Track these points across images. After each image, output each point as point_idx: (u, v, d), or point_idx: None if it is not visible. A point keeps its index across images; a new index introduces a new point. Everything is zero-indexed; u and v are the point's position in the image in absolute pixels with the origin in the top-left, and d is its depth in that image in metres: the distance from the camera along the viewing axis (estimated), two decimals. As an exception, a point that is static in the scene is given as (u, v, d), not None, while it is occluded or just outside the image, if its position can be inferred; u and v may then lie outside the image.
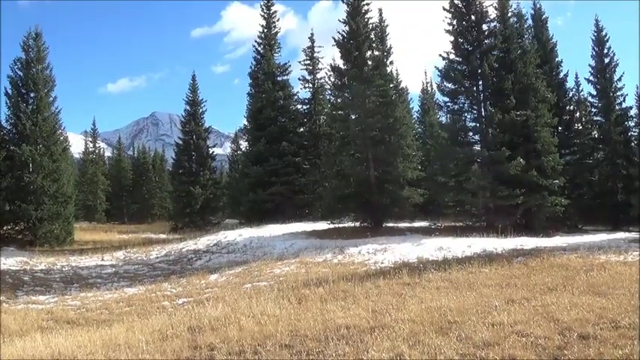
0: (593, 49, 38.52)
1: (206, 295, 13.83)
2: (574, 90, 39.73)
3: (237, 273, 17.95)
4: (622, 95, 37.85)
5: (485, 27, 30.43)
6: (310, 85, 44.79)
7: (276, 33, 45.32)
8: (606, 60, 38.10)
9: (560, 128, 34.86)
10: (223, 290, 14.47)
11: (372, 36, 32.21)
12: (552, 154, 28.94)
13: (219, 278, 17.26)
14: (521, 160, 26.75)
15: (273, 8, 45.13)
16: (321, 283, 13.19)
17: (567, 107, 37.80)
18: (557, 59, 37.96)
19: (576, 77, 43.25)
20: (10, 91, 32.61)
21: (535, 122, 28.63)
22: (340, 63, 31.88)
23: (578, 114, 39.61)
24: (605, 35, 38.30)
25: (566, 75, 38.24)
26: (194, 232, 36.60)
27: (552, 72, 36.59)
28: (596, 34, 38.53)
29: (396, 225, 30.60)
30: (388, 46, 35.48)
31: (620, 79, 37.97)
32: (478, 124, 29.96)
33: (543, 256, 16.19)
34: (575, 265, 14.46)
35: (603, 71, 37.88)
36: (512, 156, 26.80)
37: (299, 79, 44.93)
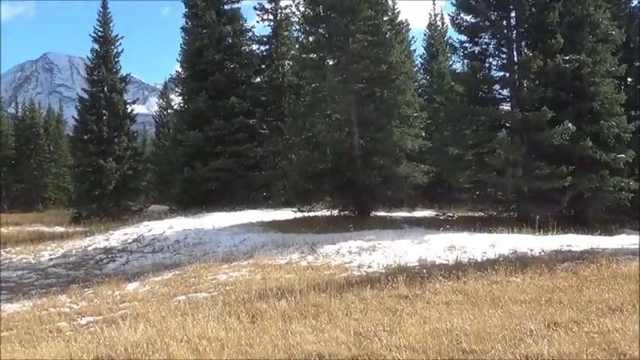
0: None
1: (121, 312, 13.66)
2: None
3: (167, 280, 17.79)
4: None
5: None
6: (271, 18, 44.57)
7: (224, -60, 44.90)
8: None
9: (629, 80, 34.11)
10: (146, 305, 14.31)
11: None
12: (617, 116, 28.63)
13: (141, 288, 17.11)
14: (571, 125, 26.65)
15: None
16: (283, 295, 13.12)
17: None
18: (628, -20, 37.17)
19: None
20: None
21: (592, 71, 28.39)
22: (314, -14, 31.65)
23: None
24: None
25: (640, 3, 37.48)
26: (105, 223, 36.22)
27: (620, -1, 35.71)
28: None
29: (389, 214, 30.69)
30: (381, -39, 35.23)
31: None
32: (508, 74, 29.97)
33: (601, 261, 16.06)
34: (651, 276, 14.48)
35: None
36: (556, 119, 26.67)
37: (255, 8, 44.64)
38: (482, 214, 29.59)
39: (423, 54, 55.38)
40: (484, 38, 30.39)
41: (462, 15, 30.23)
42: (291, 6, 40.36)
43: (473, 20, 30.10)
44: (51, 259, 24.23)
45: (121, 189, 45.99)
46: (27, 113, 77.31)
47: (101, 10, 48.76)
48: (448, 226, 25.40)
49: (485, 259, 17.91)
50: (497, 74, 30.59)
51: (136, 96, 52.08)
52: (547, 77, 28.00)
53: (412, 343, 8.55)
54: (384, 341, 8.79)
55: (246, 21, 44.02)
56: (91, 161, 45.55)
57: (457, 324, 9.64)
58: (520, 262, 16.48)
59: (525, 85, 28.95)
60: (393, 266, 17.53)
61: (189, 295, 15.13)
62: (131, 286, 17.38)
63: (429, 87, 50.42)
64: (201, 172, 38.47)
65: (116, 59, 48.92)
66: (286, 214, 30.81)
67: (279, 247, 22.05)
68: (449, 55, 46.39)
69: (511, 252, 18.81)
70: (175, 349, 8.90)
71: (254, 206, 35.05)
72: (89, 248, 25.81)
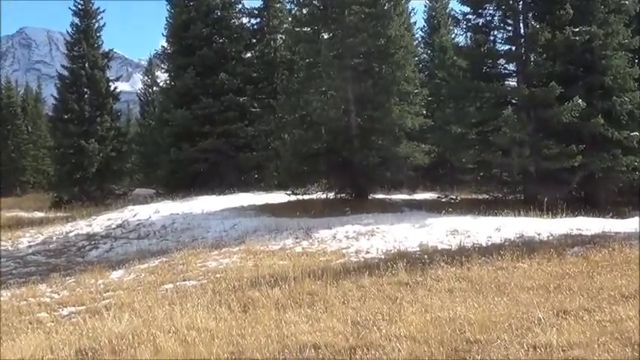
0: None
1: (105, 302, 13.67)
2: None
3: (153, 268, 17.83)
4: None
5: None
6: (262, -12, 44.39)
7: None
8: None
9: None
10: (131, 294, 14.32)
11: None
12: (630, 91, 28.29)
13: (126, 276, 17.12)
14: (581, 101, 26.35)
15: None
16: (277, 282, 13.16)
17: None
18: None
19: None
20: None
21: (603, 44, 28.16)
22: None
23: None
24: None
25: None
26: (87, 207, 36.21)
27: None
28: None
29: (388, 197, 30.67)
30: None
31: None
32: (514, 48, 29.91)
33: (614, 246, 16.02)
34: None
35: None
36: (565, 95, 26.45)
37: (245, -22, 44.48)
38: (487, 196, 29.61)
39: (424, 27, 55.01)
40: (489, 9, 30.12)
41: (465, -15, 30.02)
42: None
43: (477, -10, 29.88)
44: (30, 247, 24.23)
45: (104, 171, 45.93)
46: (3, 92, 76.55)
47: (81, -19, 48.53)
48: (451, 209, 25.39)
49: (490, 243, 17.95)
50: (502, 48, 30.52)
51: (119, 73, 52.20)
52: (555, 50, 27.84)
53: (413, 332, 8.57)
54: (384, 331, 8.81)
55: (236, -8, 43.85)
56: (72, 142, 45.45)
57: (460, 312, 9.67)
58: (527, 247, 16.49)
59: (532, 59, 28.81)
60: (392, 252, 17.57)
61: (177, 284, 15.15)
62: (115, 274, 17.40)
63: (430, 62, 50.19)
64: (188, 153, 38.37)
65: (98, 34, 48.73)
66: (279, 197, 30.84)
67: (272, 232, 22.11)
68: (451, 27, 46.35)
69: (517, 236, 18.83)
70: (162, 341, 8.91)
71: (245, 189, 35.02)
72: (71, 234, 25.80)
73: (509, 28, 30.04)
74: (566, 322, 8.89)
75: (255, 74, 42.60)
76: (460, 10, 31.21)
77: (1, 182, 67.44)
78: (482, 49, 29.79)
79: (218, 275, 15.62)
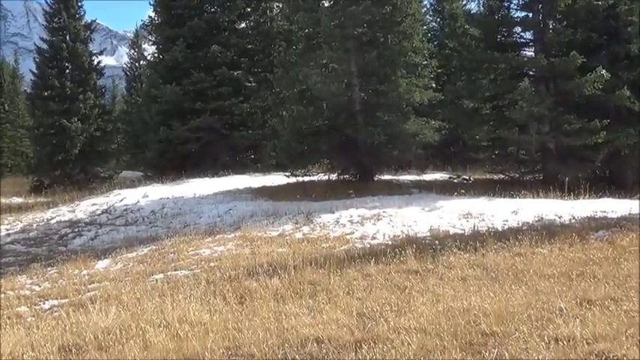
0: None
1: (90, 294, 13.66)
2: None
3: (142, 257, 17.82)
4: None
5: None
6: (257, -48, 44.20)
7: None
8: None
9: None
10: (118, 285, 14.33)
11: None
12: None
13: (112, 266, 17.13)
14: (604, 71, 26.04)
15: None
16: (275, 271, 13.16)
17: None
18: None
19: None
20: None
21: (629, 9, 27.83)
22: None
23: None
24: None
25: None
26: (70, 192, 36.18)
27: None
28: None
29: (395, 178, 30.67)
30: None
31: None
32: (531, 14, 29.73)
33: (642, 229, 16.15)
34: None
35: None
36: (587, 65, 26.28)
37: (238, -60, 44.24)
38: (503, 176, 29.61)
39: (433, -7, 55.09)
40: (503, -27, 30.04)
41: (477, -55, 29.95)
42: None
43: (490, -49, 29.75)
44: (8, 235, 24.23)
45: (88, 153, 45.86)
46: (-22, 67, 76.73)
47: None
48: (463, 191, 25.30)
49: (506, 227, 17.94)
50: (518, 14, 30.41)
51: (103, 46, 52.23)
52: (576, 17, 27.70)
53: (423, 324, 8.56)
54: (392, 323, 8.80)
55: (227, -43, 43.68)
56: (53, 121, 45.22)
57: (475, 302, 9.66)
58: (547, 231, 16.45)
59: (551, 26, 28.72)
60: (400, 237, 17.56)
61: (168, 274, 15.14)
62: (101, 264, 17.41)
63: (439, 31, 50.13)
64: (179, 132, 38.36)
65: (79, 3, 48.46)
66: (278, 179, 30.86)
67: (270, 217, 22.06)
68: (463, -7, 46.28)
69: (536, 219, 18.80)
70: (152, 335, 8.91)
71: (240, 171, 35.12)
72: (52, 221, 25.82)
73: (527, -7, 29.90)
74: (590, 313, 8.85)
75: (250, 46, 42.53)
76: (472, -26, 31.16)
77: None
78: (496, 16, 29.73)
79: (212, 264, 15.61)
